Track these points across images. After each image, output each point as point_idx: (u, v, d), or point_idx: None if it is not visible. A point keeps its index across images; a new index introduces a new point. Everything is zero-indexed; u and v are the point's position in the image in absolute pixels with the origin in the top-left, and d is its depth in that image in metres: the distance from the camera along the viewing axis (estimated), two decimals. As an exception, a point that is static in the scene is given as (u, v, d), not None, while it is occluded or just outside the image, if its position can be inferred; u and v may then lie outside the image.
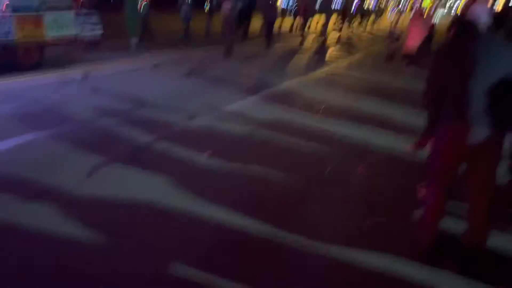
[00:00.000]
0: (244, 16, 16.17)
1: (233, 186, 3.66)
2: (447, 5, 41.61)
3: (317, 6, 17.83)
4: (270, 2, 13.07)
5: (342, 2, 19.95)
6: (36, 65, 7.81)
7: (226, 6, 10.52)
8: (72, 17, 8.49)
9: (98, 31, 9.23)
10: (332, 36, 17.06)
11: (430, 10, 12.94)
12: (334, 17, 19.44)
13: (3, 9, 7.31)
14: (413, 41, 8.68)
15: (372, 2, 27.12)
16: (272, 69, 9.44)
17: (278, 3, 19.55)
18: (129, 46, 10.68)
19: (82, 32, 8.74)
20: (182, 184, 3.58)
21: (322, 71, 9.17)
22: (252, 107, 6.13)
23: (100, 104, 5.86)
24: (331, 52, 12.72)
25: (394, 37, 10.60)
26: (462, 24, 2.52)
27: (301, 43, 14.16)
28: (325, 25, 15.98)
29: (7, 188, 3.36)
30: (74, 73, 7.61)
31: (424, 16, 9.22)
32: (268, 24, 12.96)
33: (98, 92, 6.58)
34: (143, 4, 11.90)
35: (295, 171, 4.01)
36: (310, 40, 15.46)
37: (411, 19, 9.50)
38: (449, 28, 2.54)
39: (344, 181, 3.91)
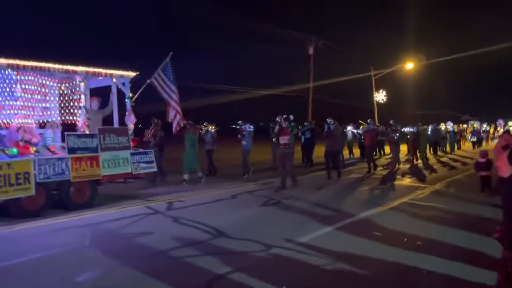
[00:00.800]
0: (307, 146, 16.95)
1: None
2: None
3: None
4: (333, 133, 13.18)
5: (414, 131, 19.97)
6: (88, 204, 8.29)
7: (284, 139, 10.69)
8: (127, 156, 8.98)
9: (152, 169, 9.66)
10: (406, 165, 16.90)
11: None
12: (404, 147, 19.60)
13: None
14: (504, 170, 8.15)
15: (449, 127, 26.74)
16: (345, 199, 9.38)
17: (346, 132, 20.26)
18: (182, 181, 11.43)
19: (136, 170, 9.12)
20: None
21: (399, 202, 8.90)
22: (328, 238, 5.99)
23: (181, 234, 6.15)
24: (407, 181, 12.43)
25: (484, 164, 9.90)
26: None
27: (370, 171, 14.17)
28: (397, 154, 16.06)
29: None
30: (158, 204, 8.22)
31: None
32: (333, 155, 13.03)
33: (179, 223, 6.97)
34: (206, 140, 13.39)
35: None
36: (381, 169, 15.41)
37: (497, 146, 9.05)
38: None
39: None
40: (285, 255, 5.23)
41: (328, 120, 13.39)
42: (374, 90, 41.07)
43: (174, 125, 10.98)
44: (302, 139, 17.09)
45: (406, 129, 23.80)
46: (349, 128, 20.93)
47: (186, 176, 11.61)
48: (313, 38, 32.68)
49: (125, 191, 10.34)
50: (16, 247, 5.64)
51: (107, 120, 9.87)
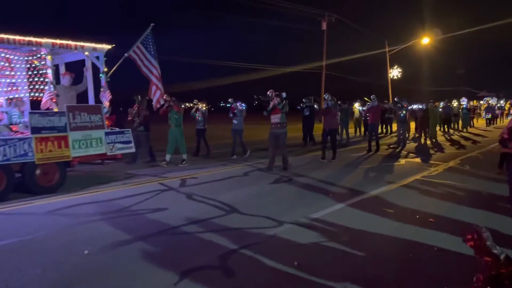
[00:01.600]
0: (307, 123, 16.54)
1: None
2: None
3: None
4: (331, 110, 12.18)
5: (423, 108, 19.41)
6: (56, 187, 7.73)
7: (275, 118, 10.04)
8: (101, 136, 8.35)
9: (130, 149, 9.08)
10: (412, 143, 16.77)
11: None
12: (412, 124, 19.24)
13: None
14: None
15: (463, 104, 25.79)
16: (357, 176, 9.37)
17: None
18: (162, 161, 10.96)
19: (112, 151, 8.53)
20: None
21: (411, 179, 8.86)
22: (340, 215, 6.02)
23: (194, 211, 6.25)
24: (419, 159, 12.34)
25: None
26: None
27: (370, 150, 13.73)
28: (403, 131, 15.92)
29: None
30: (171, 181, 8.31)
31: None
32: (331, 133, 12.11)
33: (193, 199, 7.07)
34: (198, 118, 12.78)
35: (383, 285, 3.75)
36: (385, 147, 15.34)
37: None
38: None
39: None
40: (297, 231, 5.28)
41: (325, 96, 12.60)
42: (388, 66, 40.43)
43: (153, 102, 10.32)
44: (302, 117, 16.57)
45: (414, 106, 22.92)
46: (356, 105, 20.42)
47: (167, 157, 10.98)
48: (327, 13, 32.08)
49: (102, 172, 10.04)
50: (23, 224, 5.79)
51: (83, 97, 9.24)
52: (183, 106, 12.04)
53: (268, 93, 10.37)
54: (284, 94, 10.38)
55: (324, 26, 32.04)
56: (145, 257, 4.41)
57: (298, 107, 17.23)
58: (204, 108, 12.97)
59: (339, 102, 17.69)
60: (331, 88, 32.02)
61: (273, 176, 9.31)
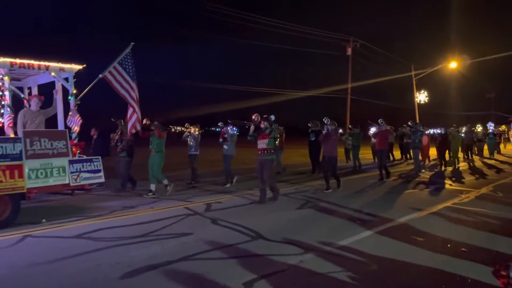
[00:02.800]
0: (312, 149, 15.13)
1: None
2: None
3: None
4: (330, 136, 10.89)
5: (442, 133, 17.63)
6: (6, 222, 6.80)
7: (261, 143, 9.03)
8: (64, 164, 7.59)
9: (98, 179, 8.29)
10: (429, 171, 16.25)
11: None
12: (432, 150, 18.38)
13: None
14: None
15: (490, 129, 23.70)
16: (384, 203, 9.16)
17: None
18: (148, 192, 10.14)
19: (76, 181, 7.75)
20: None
21: (441, 206, 8.60)
22: (368, 242, 5.87)
23: (218, 236, 6.23)
24: (449, 185, 11.99)
25: None
26: None
27: (382, 179, 12.76)
28: (417, 158, 15.02)
29: None
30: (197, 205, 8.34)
31: None
32: (329, 161, 10.92)
33: (218, 224, 7.06)
34: (190, 143, 12.02)
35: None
36: (393, 178, 14.95)
37: None
38: None
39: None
40: (324, 259, 5.17)
41: (325, 120, 11.51)
42: (415, 91, 40.02)
43: (129, 126, 9.70)
44: (308, 142, 15.25)
45: (432, 131, 21.26)
46: (373, 129, 18.82)
47: (152, 186, 10.16)
48: (352, 38, 32.26)
49: (76, 203, 9.20)
50: None
51: (52, 122, 8.63)
52: (169, 130, 11.31)
53: (253, 117, 9.52)
54: (272, 117, 9.36)
55: (349, 51, 32.18)
56: (170, 282, 4.40)
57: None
58: (196, 133, 12.21)
59: (349, 126, 17.42)
60: (355, 112, 31.95)
61: (299, 202, 9.22)
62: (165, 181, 10.34)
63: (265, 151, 8.99)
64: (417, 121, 37.43)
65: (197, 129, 12.25)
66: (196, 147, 12.15)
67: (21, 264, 5.01)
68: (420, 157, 15.79)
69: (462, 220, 7.35)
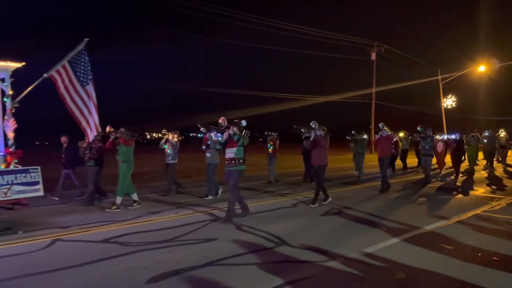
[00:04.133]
0: (305, 157, 13.65)
1: None
2: None
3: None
4: (317, 142, 9.71)
5: (457, 138, 16.07)
6: None
7: (229, 153, 7.96)
8: None
9: (36, 192, 7.34)
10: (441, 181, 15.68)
11: None
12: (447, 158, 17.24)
13: None
14: None
15: None
16: (410, 210, 8.98)
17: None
18: (112, 205, 9.09)
19: (7, 195, 6.91)
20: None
21: (470, 214, 8.35)
22: (395, 250, 5.75)
23: (242, 242, 6.22)
24: (478, 192, 11.65)
25: None
26: None
27: (386, 189, 11.90)
28: (427, 167, 13.77)
29: None
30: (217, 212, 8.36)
31: None
32: (316, 170, 10.14)
33: (242, 230, 7.07)
34: (167, 151, 11.21)
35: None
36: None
37: None
38: None
39: None
40: (349, 266, 5.09)
41: (312, 124, 10.00)
42: (441, 95, 39.25)
43: (85, 134, 8.41)
44: (302, 149, 13.80)
45: (446, 136, 18.79)
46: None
47: (118, 200, 9.16)
48: (376, 43, 31.96)
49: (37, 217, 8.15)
50: None
51: None
52: (137, 136, 10.27)
53: (219, 121, 8.52)
54: (244, 122, 8.04)
55: (373, 56, 31.89)
56: (195, 287, 4.43)
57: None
58: (175, 140, 11.37)
59: (352, 132, 15.67)
60: (380, 117, 31.53)
61: (323, 208, 9.14)
62: (119, 199, 9.19)
63: (233, 161, 7.86)
64: (444, 126, 36.68)
65: (175, 136, 11.45)
66: (174, 155, 11.36)
67: (50, 266, 5.13)
68: (435, 165, 14.56)
69: (493, 229, 7.12)
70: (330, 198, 9.83)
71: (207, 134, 10.57)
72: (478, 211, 8.69)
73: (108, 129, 9.71)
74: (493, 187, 12.80)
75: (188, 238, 6.59)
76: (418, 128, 14.47)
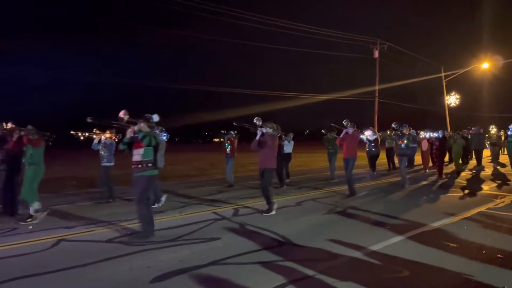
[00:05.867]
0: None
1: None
2: None
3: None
4: (266, 142, 8.34)
5: (439, 136, 15.40)
6: None
7: (136, 155, 6.52)
8: None
9: None
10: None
11: None
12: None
13: None
14: None
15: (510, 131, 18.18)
16: (413, 208, 8.95)
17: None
18: (27, 218, 7.73)
19: None
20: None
21: (474, 211, 8.33)
22: (399, 248, 5.75)
23: (246, 241, 6.23)
24: (484, 189, 11.61)
25: None
26: None
27: (352, 194, 10.87)
28: (403, 168, 12.46)
29: None
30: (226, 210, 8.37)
31: None
32: (263, 172, 8.45)
33: (246, 229, 7.08)
34: (101, 153, 9.94)
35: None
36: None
37: None
38: None
39: None
40: (354, 264, 5.10)
41: (256, 121, 8.44)
42: (445, 93, 39.13)
43: None
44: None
45: (426, 134, 17.16)
46: (367, 133, 15.44)
47: (31, 209, 7.80)
48: (379, 41, 31.90)
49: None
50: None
51: None
52: (48, 136, 8.45)
53: (120, 114, 6.53)
54: (155, 117, 6.78)
55: (376, 54, 31.83)
56: (199, 286, 4.44)
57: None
58: (109, 139, 10.04)
59: (322, 131, 14.46)
60: (383, 115, 31.45)
61: (326, 207, 9.14)
62: (36, 205, 7.83)
63: (139, 165, 6.47)
64: (448, 124, 36.55)
65: (113, 135, 10.07)
66: (109, 157, 9.96)
67: (56, 266, 5.16)
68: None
69: (497, 226, 7.11)
70: (274, 212, 8.34)
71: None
72: (482, 208, 8.67)
73: (10, 125, 8.15)
74: (497, 181, 12.77)
75: (192, 237, 6.60)
76: (393, 125, 12.95)
